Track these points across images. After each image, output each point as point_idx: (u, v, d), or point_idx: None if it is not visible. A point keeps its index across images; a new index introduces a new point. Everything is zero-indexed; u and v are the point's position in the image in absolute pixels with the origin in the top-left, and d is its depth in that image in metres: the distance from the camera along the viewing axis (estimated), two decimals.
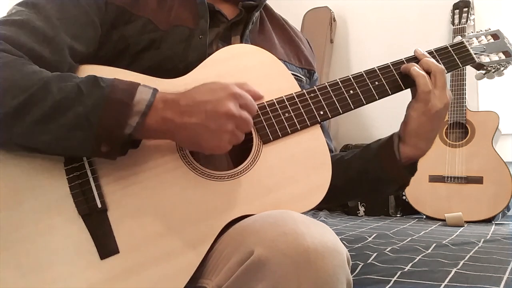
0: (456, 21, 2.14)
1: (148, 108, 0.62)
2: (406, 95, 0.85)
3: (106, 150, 0.62)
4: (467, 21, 2.12)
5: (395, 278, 0.90)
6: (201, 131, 0.63)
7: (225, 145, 0.65)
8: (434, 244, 1.24)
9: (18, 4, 0.71)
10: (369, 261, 1.06)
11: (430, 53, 0.85)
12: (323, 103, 0.78)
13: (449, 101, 0.79)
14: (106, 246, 0.63)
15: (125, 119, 0.61)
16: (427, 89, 0.77)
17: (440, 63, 0.82)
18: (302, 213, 0.65)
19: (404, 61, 0.84)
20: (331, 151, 0.92)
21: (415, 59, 0.84)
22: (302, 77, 0.94)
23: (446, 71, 0.81)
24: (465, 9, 2.14)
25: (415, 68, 0.79)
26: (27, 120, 0.60)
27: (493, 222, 1.84)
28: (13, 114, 0.60)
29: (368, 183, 0.87)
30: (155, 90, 0.64)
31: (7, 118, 0.60)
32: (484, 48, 0.91)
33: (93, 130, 0.60)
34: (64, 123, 0.60)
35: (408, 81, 0.82)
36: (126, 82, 0.64)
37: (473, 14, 2.16)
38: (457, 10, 2.16)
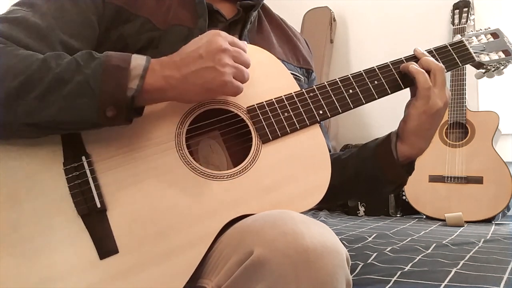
0: (456, 21, 2.14)
1: (145, 71, 0.64)
2: (406, 94, 0.84)
3: (112, 114, 0.62)
4: (467, 21, 2.12)
5: (395, 278, 0.89)
6: (203, 74, 0.65)
7: (231, 80, 0.66)
8: (434, 244, 1.23)
9: (15, 4, 0.72)
10: (369, 261, 1.06)
11: (430, 52, 0.85)
12: (322, 102, 0.78)
13: (448, 100, 0.79)
14: (105, 246, 0.63)
15: (125, 82, 0.62)
16: (427, 86, 0.77)
17: (439, 62, 0.82)
18: (301, 212, 0.65)
19: (404, 60, 0.84)
20: (329, 150, 0.92)
21: (414, 58, 0.83)
22: (301, 76, 0.94)
23: (445, 69, 0.81)
24: (465, 9, 2.14)
25: (414, 66, 0.79)
26: (29, 98, 0.61)
27: (493, 222, 1.84)
28: (16, 94, 0.61)
29: (365, 182, 0.87)
30: (148, 57, 0.66)
31: (10, 99, 0.61)
32: (484, 47, 0.90)
33: (95, 95, 0.61)
34: (66, 93, 0.61)
35: (407, 80, 0.82)
36: (119, 53, 0.66)
37: (473, 14, 2.16)
38: (457, 10, 2.16)
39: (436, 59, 0.83)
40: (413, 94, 0.81)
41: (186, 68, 0.65)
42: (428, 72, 0.78)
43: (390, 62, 0.83)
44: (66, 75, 0.62)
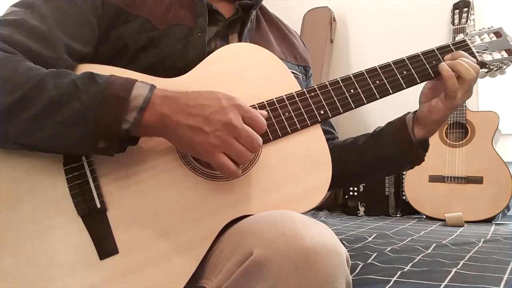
0: (456, 21, 2.14)
1: (146, 103, 0.62)
2: (407, 94, 0.85)
3: (103, 146, 0.61)
4: (467, 21, 2.12)
5: (395, 278, 0.89)
6: (194, 133, 0.62)
7: (217, 153, 0.62)
8: (434, 244, 1.23)
9: (14, 5, 0.71)
10: (369, 261, 1.05)
11: (432, 51, 0.85)
12: (323, 102, 0.78)
13: (469, 96, 0.85)
14: (105, 247, 0.63)
15: (122, 114, 0.60)
16: (455, 88, 0.81)
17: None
18: (302, 213, 0.64)
19: (405, 59, 0.83)
20: (336, 138, 0.99)
21: (418, 57, 0.84)
22: (299, 74, 0.95)
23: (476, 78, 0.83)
24: (465, 9, 2.14)
25: (447, 70, 0.81)
26: (22, 118, 0.60)
27: (493, 222, 1.84)
28: (8, 111, 0.60)
29: (387, 166, 0.93)
30: (152, 86, 0.63)
31: (3, 116, 0.60)
32: (487, 46, 0.90)
33: (90, 126, 0.60)
34: (60, 120, 0.60)
35: (409, 80, 0.82)
36: (123, 78, 0.63)
37: (473, 14, 2.16)
38: (457, 10, 2.16)
39: (439, 59, 0.84)
40: (434, 88, 0.86)
41: (184, 118, 0.62)
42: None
43: (391, 61, 0.83)
44: (62, 99, 0.60)
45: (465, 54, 0.84)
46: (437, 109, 0.83)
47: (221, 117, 0.62)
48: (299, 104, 0.77)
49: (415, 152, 0.88)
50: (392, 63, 0.83)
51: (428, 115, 0.85)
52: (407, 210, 2.08)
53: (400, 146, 0.87)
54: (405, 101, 0.91)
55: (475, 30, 0.93)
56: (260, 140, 0.64)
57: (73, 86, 0.61)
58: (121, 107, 0.60)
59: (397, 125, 0.89)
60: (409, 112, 0.90)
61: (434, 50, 0.86)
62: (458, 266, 0.98)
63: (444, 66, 0.82)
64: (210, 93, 0.65)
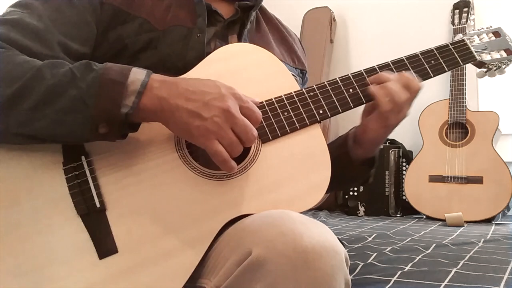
0: (456, 21, 2.14)
1: (144, 87, 0.62)
2: None
3: (104, 131, 0.62)
4: (467, 21, 2.12)
5: (395, 278, 0.89)
6: (192, 116, 0.62)
7: (212, 140, 0.62)
8: (434, 244, 1.23)
9: (12, 6, 0.72)
10: (369, 261, 1.06)
11: (431, 51, 0.85)
12: (322, 102, 0.78)
13: (405, 117, 0.81)
14: (104, 246, 0.63)
15: (121, 98, 0.61)
16: (387, 108, 0.77)
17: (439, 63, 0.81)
18: (301, 212, 0.64)
19: (404, 59, 0.83)
20: None
21: (416, 56, 0.83)
22: (296, 76, 0.94)
23: (407, 101, 0.78)
24: (465, 9, 2.14)
25: (375, 89, 0.78)
26: (22, 108, 0.61)
27: (493, 222, 1.84)
28: (8, 103, 0.60)
29: (334, 177, 0.87)
30: (149, 71, 0.64)
31: (3, 108, 0.60)
32: (486, 46, 0.90)
33: (89, 112, 0.60)
34: (59, 107, 0.61)
35: None
36: (119, 65, 0.64)
37: (473, 14, 2.16)
38: (457, 10, 2.16)
39: (437, 58, 0.83)
40: (372, 108, 0.81)
41: (183, 102, 0.62)
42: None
43: (390, 61, 0.83)
44: (60, 88, 0.61)
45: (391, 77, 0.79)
46: (369, 129, 0.81)
47: (220, 104, 0.62)
48: (298, 104, 0.77)
49: (354, 170, 0.86)
50: (391, 62, 0.83)
51: (363, 134, 0.83)
52: (407, 210, 2.08)
53: (341, 162, 0.85)
54: None
55: (473, 30, 0.93)
56: (255, 132, 0.65)
57: (70, 74, 0.62)
58: (119, 92, 0.61)
59: (340, 142, 0.89)
60: (354, 127, 0.87)
61: (433, 49, 0.86)
62: (458, 266, 0.98)
63: (370, 87, 0.78)
64: (209, 81, 0.65)
